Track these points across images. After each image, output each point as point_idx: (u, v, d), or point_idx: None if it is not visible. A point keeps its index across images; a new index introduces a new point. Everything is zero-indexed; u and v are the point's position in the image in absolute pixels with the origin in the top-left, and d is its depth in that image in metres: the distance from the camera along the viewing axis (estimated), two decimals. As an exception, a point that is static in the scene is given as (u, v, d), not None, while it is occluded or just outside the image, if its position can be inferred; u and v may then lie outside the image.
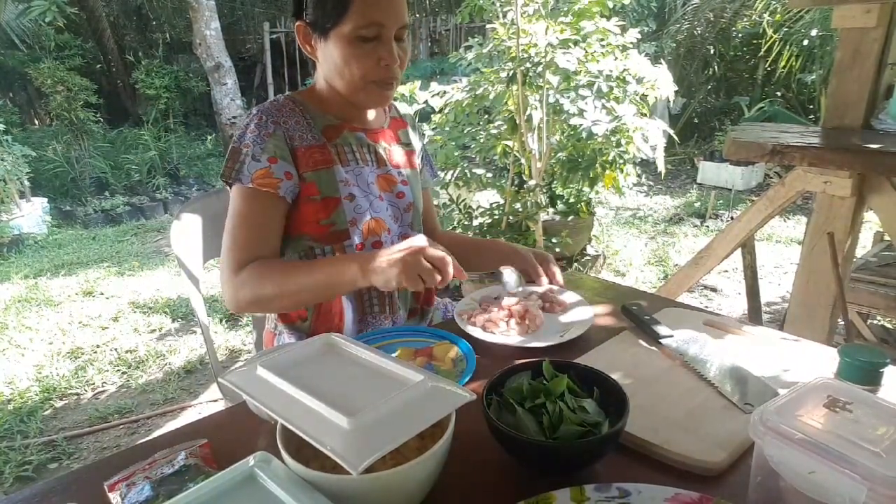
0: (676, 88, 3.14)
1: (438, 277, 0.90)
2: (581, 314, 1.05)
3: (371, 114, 1.20)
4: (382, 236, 1.15)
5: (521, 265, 1.16)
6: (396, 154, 1.24)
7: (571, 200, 3.70)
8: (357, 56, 1.02)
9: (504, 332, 1.00)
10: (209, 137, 7.61)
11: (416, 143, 1.32)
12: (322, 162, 1.09)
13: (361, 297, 1.17)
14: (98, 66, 8.38)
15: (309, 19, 1.05)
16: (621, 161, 3.04)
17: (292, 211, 1.10)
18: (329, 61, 1.06)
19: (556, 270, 1.17)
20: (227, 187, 1.09)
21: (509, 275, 1.10)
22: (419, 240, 0.94)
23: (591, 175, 3.08)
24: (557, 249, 3.32)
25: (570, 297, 1.12)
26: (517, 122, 3.00)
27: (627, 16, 6.53)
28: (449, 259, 0.91)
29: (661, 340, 0.93)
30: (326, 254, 1.13)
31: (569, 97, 2.91)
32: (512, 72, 2.88)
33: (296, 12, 1.08)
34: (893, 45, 1.75)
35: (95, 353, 2.98)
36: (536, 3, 2.95)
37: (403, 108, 1.34)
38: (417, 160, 1.32)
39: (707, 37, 6.63)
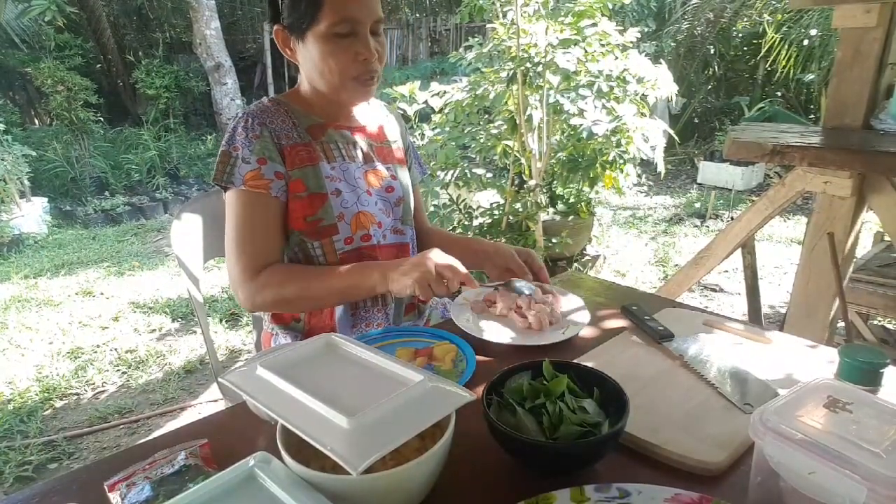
0: (677, 88, 3.13)
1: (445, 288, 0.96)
2: (578, 317, 1.04)
3: (355, 111, 1.21)
4: (371, 230, 1.16)
5: (505, 263, 1.15)
6: (383, 150, 1.25)
7: (571, 200, 3.70)
8: (334, 53, 1.03)
9: (517, 323, 1.02)
10: (209, 137, 7.60)
11: (403, 140, 1.33)
12: (308, 159, 1.11)
13: None
14: (98, 65, 8.37)
15: (286, 22, 1.06)
16: (621, 161, 3.04)
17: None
18: (308, 62, 1.07)
19: (543, 267, 1.16)
20: (222, 190, 1.11)
21: (522, 285, 1.08)
22: (434, 252, 0.99)
23: (591, 175, 3.08)
24: (557, 249, 3.32)
25: (569, 302, 1.09)
26: (517, 122, 3.00)
27: (627, 15, 6.52)
28: (458, 269, 0.97)
29: (661, 340, 0.93)
30: (316, 248, 1.14)
31: (569, 97, 2.90)
32: (512, 72, 2.88)
33: (272, 17, 1.09)
34: (893, 45, 1.75)
35: (95, 353, 2.98)
36: (536, 2, 2.95)
37: (382, 106, 1.33)
38: (405, 156, 1.32)
39: (707, 36, 6.62)
